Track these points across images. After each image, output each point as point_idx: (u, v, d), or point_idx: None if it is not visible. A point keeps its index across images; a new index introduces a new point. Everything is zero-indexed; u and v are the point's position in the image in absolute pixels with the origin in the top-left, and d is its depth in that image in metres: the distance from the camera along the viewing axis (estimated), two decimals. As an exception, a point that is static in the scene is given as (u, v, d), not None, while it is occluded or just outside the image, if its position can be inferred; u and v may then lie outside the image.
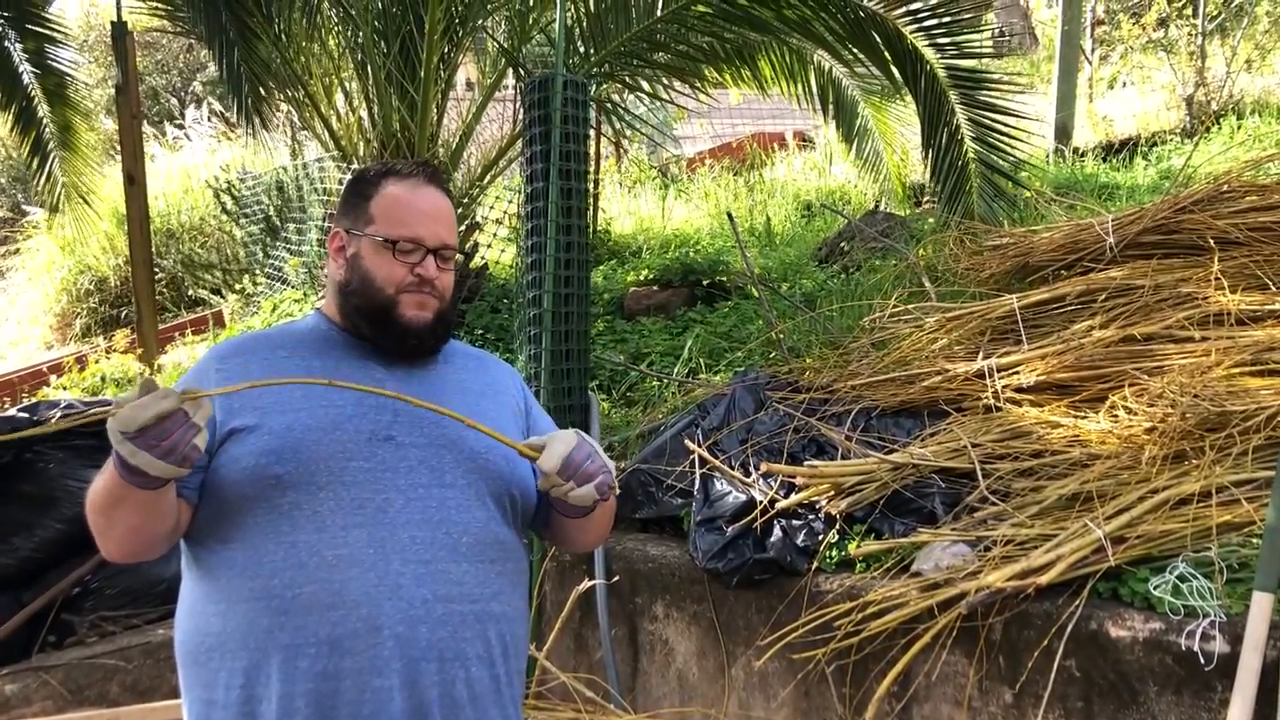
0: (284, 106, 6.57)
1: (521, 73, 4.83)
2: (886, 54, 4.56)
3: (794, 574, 2.64)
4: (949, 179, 4.63)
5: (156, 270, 7.50)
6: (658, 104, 6.78)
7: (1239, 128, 6.15)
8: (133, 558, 1.44)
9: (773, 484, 2.80)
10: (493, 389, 1.64)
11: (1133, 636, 2.08)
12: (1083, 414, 2.76)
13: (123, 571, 2.88)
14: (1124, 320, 2.98)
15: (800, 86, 5.73)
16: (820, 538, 2.66)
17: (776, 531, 2.71)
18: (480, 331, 5.06)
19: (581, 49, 4.59)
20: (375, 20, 4.90)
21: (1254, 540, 2.12)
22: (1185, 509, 2.22)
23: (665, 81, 5.22)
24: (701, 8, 4.51)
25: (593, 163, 5.77)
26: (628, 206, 8.32)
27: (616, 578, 3.04)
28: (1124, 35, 8.05)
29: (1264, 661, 1.88)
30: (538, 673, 3.05)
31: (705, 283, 5.21)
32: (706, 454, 3.00)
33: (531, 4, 4.96)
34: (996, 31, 11.38)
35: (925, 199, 6.38)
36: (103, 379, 5.79)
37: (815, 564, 2.63)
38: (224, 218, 8.30)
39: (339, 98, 5.69)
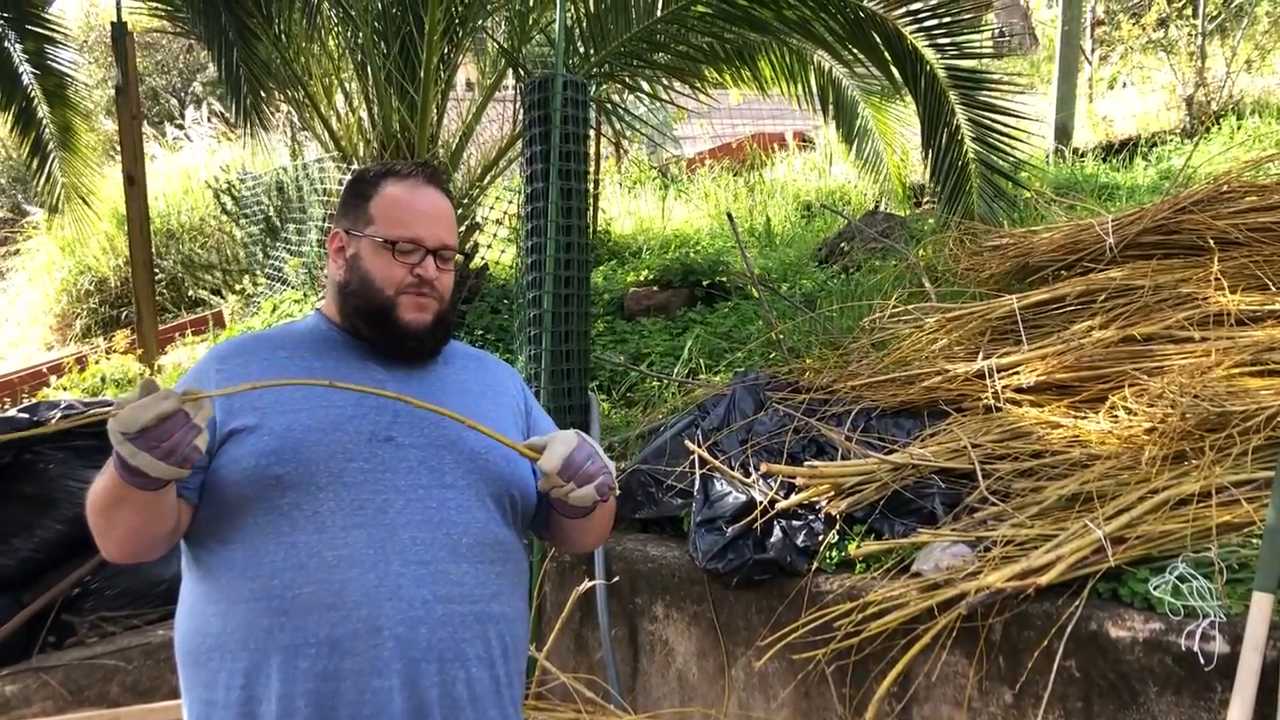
0: (284, 107, 6.57)
1: (521, 73, 4.84)
2: (886, 54, 4.56)
3: (794, 574, 2.64)
4: (949, 179, 4.63)
5: (156, 271, 7.51)
6: (658, 104, 6.78)
7: (1239, 128, 6.15)
8: (133, 558, 1.44)
9: (773, 484, 2.80)
10: (493, 389, 1.64)
11: (1132, 637, 2.08)
12: (1083, 414, 2.76)
13: (123, 572, 2.88)
14: (1124, 320, 2.98)
15: (800, 87, 5.73)
16: (820, 538, 2.66)
17: (776, 532, 2.71)
18: (480, 332, 5.06)
19: (581, 49, 4.59)
20: (375, 21, 4.90)
21: (1254, 540, 2.12)
22: (1185, 509, 2.22)
23: (665, 82, 5.22)
24: (701, 8, 4.51)
25: (593, 163, 5.77)
26: (628, 207, 8.32)
27: (616, 578, 3.04)
28: (1124, 35, 8.06)
29: (1264, 662, 1.88)
30: (538, 673, 3.06)
31: (705, 283, 5.21)
32: (706, 454, 3.00)
33: (531, 4, 4.96)
34: (997, 32, 11.38)
35: (925, 199, 6.38)
36: (103, 380, 5.79)
37: (815, 564, 2.63)
38: (224, 218, 8.30)
39: (339, 98, 5.69)
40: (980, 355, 3.05)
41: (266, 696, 1.35)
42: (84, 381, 5.80)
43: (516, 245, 4.58)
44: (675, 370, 4.24)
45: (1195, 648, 1.98)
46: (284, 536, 1.39)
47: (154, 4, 5.63)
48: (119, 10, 6.06)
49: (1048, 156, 6.60)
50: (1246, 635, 1.90)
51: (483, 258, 5.75)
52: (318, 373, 1.47)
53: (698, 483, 2.97)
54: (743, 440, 3.03)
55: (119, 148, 6.52)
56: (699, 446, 3.04)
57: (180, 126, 11.98)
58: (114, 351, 6.45)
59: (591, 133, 4.54)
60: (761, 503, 2.75)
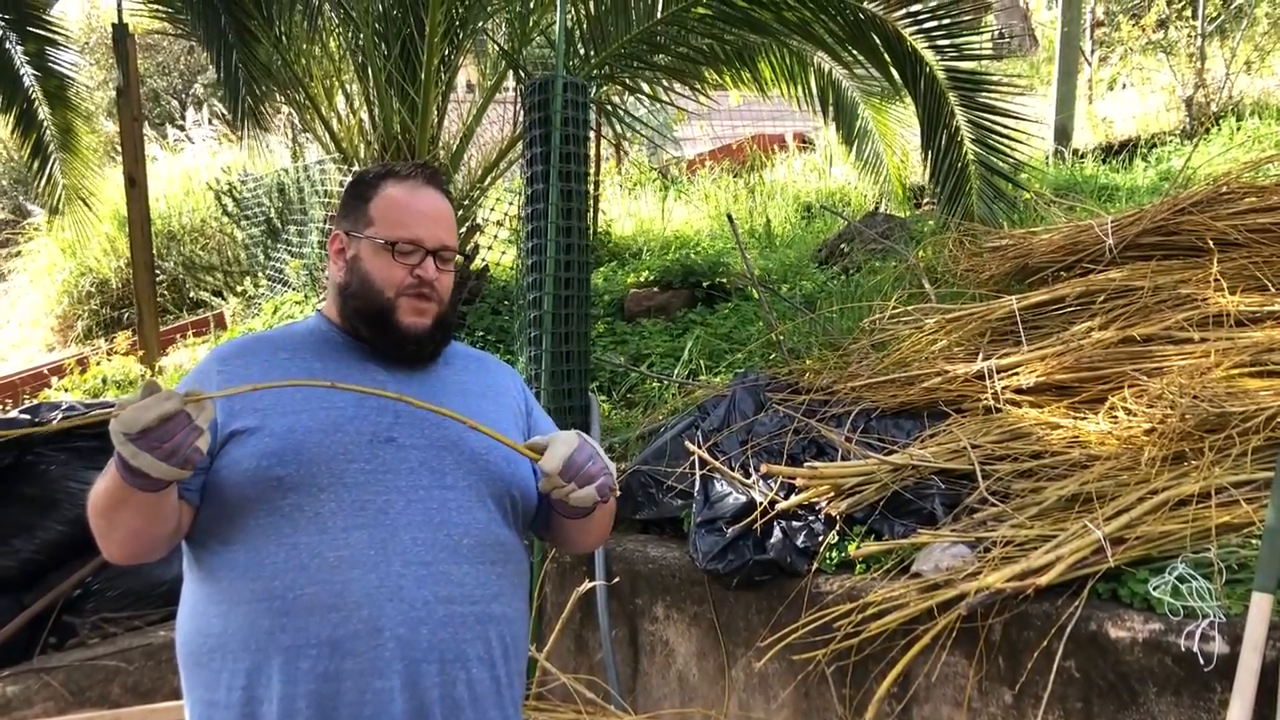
0: (285, 109, 6.58)
1: (522, 75, 4.84)
2: (886, 56, 4.56)
3: (794, 575, 2.65)
4: (948, 180, 4.64)
5: (158, 272, 7.52)
6: (658, 106, 6.79)
7: (1238, 129, 6.16)
8: (134, 559, 1.44)
9: (773, 485, 2.81)
10: (493, 390, 1.64)
11: (1132, 637, 2.08)
12: (1082, 415, 2.76)
13: (124, 573, 2.88)
14: (1123, 321, 2.98)
15: (800, 88, 5.73)
16: (820, 539, 2.67)
17: (776, 533, 2.72)
18: (481, 333, 5.06)
19: (582, 51, 4.59)
20: (376, 22, 4.91)
21: (1253, 541, 2.12)
22: (1185, 510, 2.22)
23: (665, 83, 5.22)
24: (701, 10, 4.51)
25: (593, 164, 5.78)
26: (628, 208, 8.33)
27: (617, 579, 3.04)
28: (1123, 37, 8.07)
29: (1263, 662, 1.89)
30: (538, 674, 3.06)
31: (705, 284, 5.22)
32: (707, 455, 3.00)
33: (532, 6, 4.96)
34: (996, 33, 11.39)
35: (925, 200, 6.39)
36: (104, 381, 5.79)
37: (815, 565, 2.63)
38: (225, 220, 8.31)
39: (340, 100, 5.69)
40: (980, 356, 3.05)
41: (268, 697, 1.36)
42: (85, 383, 5.81)
43: (517, 246, 4.58)
44: (675, 371, 4.24)
45: (1195, 648, 1.98)
46: (285, 537, 1.39)
47: (155, 6, 5.64)
48: (120, 12, 6.07)
49: (1047, 158, 6.60)
50: (1246, 635, 1.91)
51: (483, 259, 5.75)
52: (319, 374, 1.47)
53: (698, 484, 2.97)
54: (743, 441, 3.04)
55: (120, 149, 6.53)
56: (699, 447, 3.04)
57: (181, 128, 11.99)
58: (115, 353, 6.46)
59: (592, 134, 4.54)
60: (761, 503, 2.76)
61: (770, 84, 5.58)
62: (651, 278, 5.45)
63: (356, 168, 5.32)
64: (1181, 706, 2.02)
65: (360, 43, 5.05)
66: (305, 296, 6.55)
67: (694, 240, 6.88)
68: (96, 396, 5.49)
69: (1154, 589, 2.10)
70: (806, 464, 2.82)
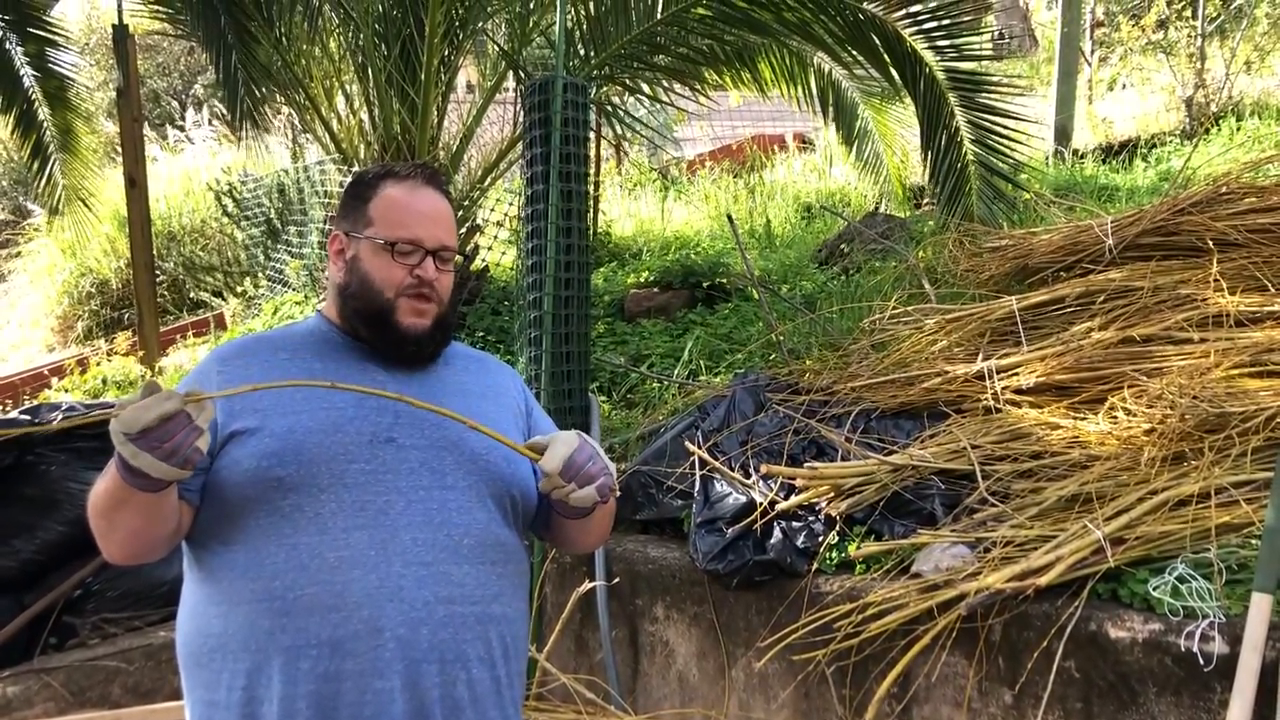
0: (285, 109, 6.58)
1: (522, 75, 4.84)
2: (886, 56, 4.56)
3: (794, 575, 2.65)
4: (948, 181, 4.64)
5: (158, 273, 7.52)
6: (658, 106, 6.79)
7: (1238, 129, 6.16)
8: (134, 560, 1.44)
9: (773, 486, 2.81)
10: (493, 391, 1.64)
11: (1132, 637, 2.08)
12: (1082, 415, 2.76)
13: (124, 574, 2.88)
14: (1123, 322, 2.98)
15: (800, 89, 5.73)
16: (820, 539, 2.67)
17: (776, 533, 2.72)
18: (481, 334, 5.07)
19: (581, 51, 4.59)
20: (376, 23, 4.91)
21: (1253, 541, 2.13)
22: (1184, 510, 2.22)
23: (665, 84, 5.23)
24: (701, 10, 4.52)
25: (593, 165, 5.78)
26: (628, 209, 8.33)
27: (617, 579, 3.04)
28: (1123, 37, 8.07)
29: (1263, 662, 1.89)
30: (538, 674, 3.06)
31: (705, 285, 5.22)
32: (707, 456, 3.00)
33: (531, 7, 4.96)
34: (996, 34, 11.39)
35: (925, 201, 6.39)
36: (104, 381, 5.79)
37: (815, 565, 2.63)
38: (225, 220, 8.31)
39: (340, 100, 5.70)
40: (980, 356, 3.05)
41: (268, 697, 1.36)
42: (85, 383, 5.81)
43: (517, 247, 4.58)
44: (675, 372, 4.24)
45: (1195, 648, 1.98)
46: (285, 538, 1.39)
47: (155, 7, 5.64)
48: (120, 13, 6.08)
49: (1047, 158, 6.61)
50: (1246, 636, 1.91)
51: (483, 260, 5.75)
52: (318, 374, 1.47)
53: (698, 484, 2.98)
54: (743, 441, 3.04)
55: (120, 150, 6.53)
56: (699, 448, 3.04)
57: (181, 129, 12.00)
58: (115, 353, 6.46)
59: (592, 135, 4.54)
60: (761, 504, 2.76)
61: (770, 84, 5.58)
62: (651, 278, 5.45)
63: (356, 168, 5.32)
64: (1181, 707, 2.02)
65: (360, 43, 5.05)
66: (305, 297, 6.56)
67: (694, 241, 6.89)
68: (97, 397, 5.49)
69: (1154, 589, 2.10)
70: (806, 464, 2.82)
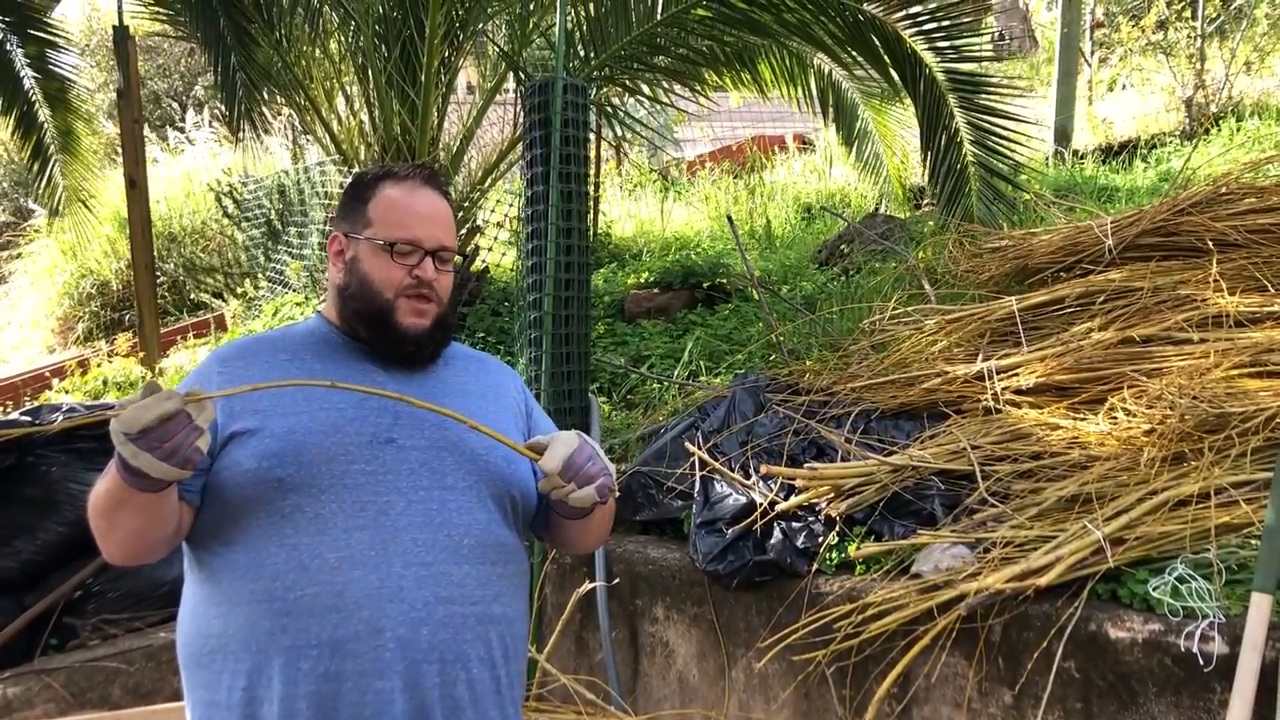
0: (285, 110, 6.59)
1: (522, 76, 4.84)
2: (886, 57, 4.56)
3: (794, 576, 2.65)
4: (948, 182, 4.64)
5: (158, 274, 7.52)
6: (658, 107, 6.79)
7: (1238, 130, 6.16)
8: (134, 560, 1.44)
9: (773, 486, 2.81)
10: (493, 391, 1.64)
11: (1132, 638, 2.08)
12: (1082, 416, 2.76)
13: (125, 574, 2.88)
14: (1123, 322, 2.98)
15: (800, 90, 5.74)
16: (820, 540, 2.67)
17: (776, 534, 2.72)
18: (481, 334, 5.07)
19: (581, 52, 4.60)
20: (376, 24, 4.91)
21: (1253, 541, 2.13)
22: (1184, 510, 2.22)
23: (665, 85, 5.23)
24: (701, 11, 4.52)
25: (593, 166, 5.78)
26: (628, 209, 8.34)
27: (617, 580, 3.04)
28: (1123, 38, 8.08)
29: (1263, 662, 1.89)
30: (539, 675, 3.06)
31: (705, 285, 5.22)
32: (706, 456, 3.00)
33: (531, 8, 4.97)
34: (996, 35, 11.39)
35: (925, 201, 6.39)
36: (105, 382, 5.80)
37: (815, 566, 2.63)
38: (225, 221, 8.32)
39: (340, 101, 5.70)
40: (980, 357, 3.06)
41: (268, 698, 1.36)
42: (86, 384, 5.82)
43: (517, 248, 4.58)
44: (675, 372, 4.24)
45: (1194, 648, 1.98)
46: (286, 538, 1.39)
47: (155, 8, 5.65)
48: (120, 14, 6.08)
49: (1047, 159, 6.61)
50: (1245, 636, 1.91)
51: (483, 260, 5.76)
52: (318, 375, 1.47)
53: (698, 485, 2.98)
54: (743, 442, 3.04)
55: (120, 151, 6.54)
56: (699, 449, 3.04)
57: (181, 130, 12.00)
58: (116, 354, 6.47)
59: (592, 136, 4.54)
60: (761, 504, 2.76)
61: (770, 85, 5.59)
62: (651, 279, 5.46)
63: (357, 169, 5.33)
64: (1181, 707, 2.02)
65: (360, 44, 5.06)
66: (305, 298, 6.56)
67: (694, 241, 6.89)
68: (97, 398, 5.50)
69: (1154, 589, 2.10)
70: (806, 465, 2.82)
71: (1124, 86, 8.36)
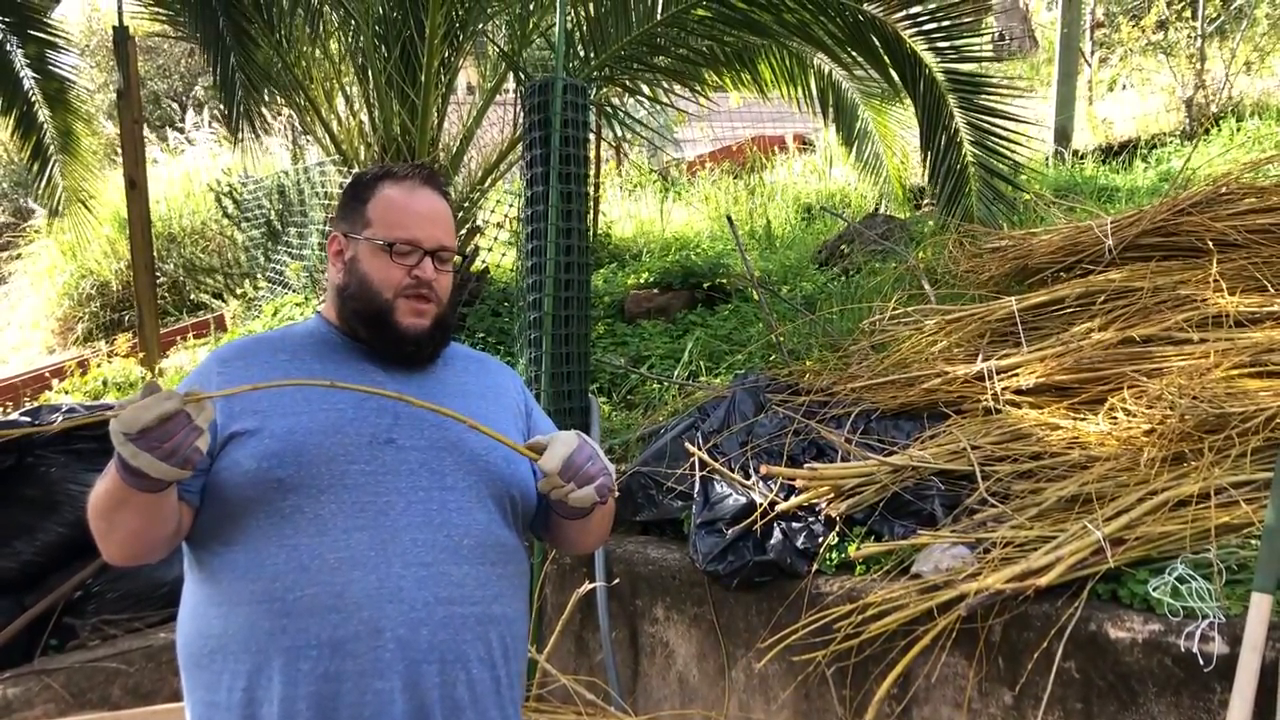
0: (285, 111, 6.59)
1: (522, 76, 4.84)
2: (886, 58, 4.56)
3: (794, 576, 2.65)
4: (948, 182, 4.64)
5: (158, 274, 7.52)
6: (658, 108, 6.79)
7: (1238, 130, 6.16)
8: (134, 561, 1.44)
9: (772, 486, 2.81)
10: (493, 391, 1.64)
11: (1132, 638, 2.08)
12: (1082, 416, 2.76)
13: (124, 575, 2.88)
14: (1123, 322, 2.98)
15: (800, 90, 5.74)
16: (820, 540, 2.67)
17: (776, 534, 2.72)
18: (481, 335, 5.07)
19: (581, 53, 4.60)
20: (376, 25, 4.91)
21: (1253, 541, 2.13)
22: (1184, 510, 2.22)
23: (665, 85, 5.23)
24: (701, 11, 4.52)
25: (593, 166, 5.78)
26: (628, 210, 8.34)
27: (617, 580, 3.04)
28: (1123, 38, 8.08)
29: (1263, 662, 1.89)
30: (538, 675, 3.06)
31: (705, 286, 5.22)
32: (706, 457, 3.00)
33: (531, 8, 4.97)
34: (996, 35, 11.40)
35: (925, 201, 6.39)
36: (104, 383, 5.80)
37: (815, 566, 2.63)
38: (225, 222, 8.32)
39: (340, 102, 5.71)
40: (980, 357, 3.05)
41: (268, 698, 1.36)
42: (86, 385, 5.82)
43: (517, 248, 4.58)
44: (675, 373, 4.24)
45: (1194, 649, 1.98)
46: (285, 539, 1.39)
47: (155, 9, 5.65)
48: (120, 15, 6.08)
49: (1047, 159, 6.61)
50: (1245, 636, 1.91)
51: (483, 261, 5.76)
52: (318, 375, 1.47)
53: (698, 485, 2.98)
54: (743, 442, 3.04)
55: (120, 151, 6.54)
56: (699, 449, 3.04)
57: (181, 131, 12.01)
58: (116, 355, 6.47)
59: (591, 136, 4.54)
60: (761, 505, 2.76)
61: (770, 85, 5.59)
62: (651, 279, 5.46)
63: (356, 169, 5.33)
64: (1181, 707, 2.02)
65: (360, 45, 5.06)
66: (305, 298, 6.56)
67: (694, 242, 6.89)
68: (97, 398, 5.50)
69: (1154, 590, 2.10)
70: (806, 465, 2.82)
71: (1124, 86, 8.37)
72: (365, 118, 5.36)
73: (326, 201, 6.81)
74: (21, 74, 6.36)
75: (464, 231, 5.43)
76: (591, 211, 5.17)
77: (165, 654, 2.79)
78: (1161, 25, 7.75)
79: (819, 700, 2.58)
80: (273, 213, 7.75)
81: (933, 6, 4.46)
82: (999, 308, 3.28)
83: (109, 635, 2.85)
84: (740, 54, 5.16)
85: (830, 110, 6.03)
